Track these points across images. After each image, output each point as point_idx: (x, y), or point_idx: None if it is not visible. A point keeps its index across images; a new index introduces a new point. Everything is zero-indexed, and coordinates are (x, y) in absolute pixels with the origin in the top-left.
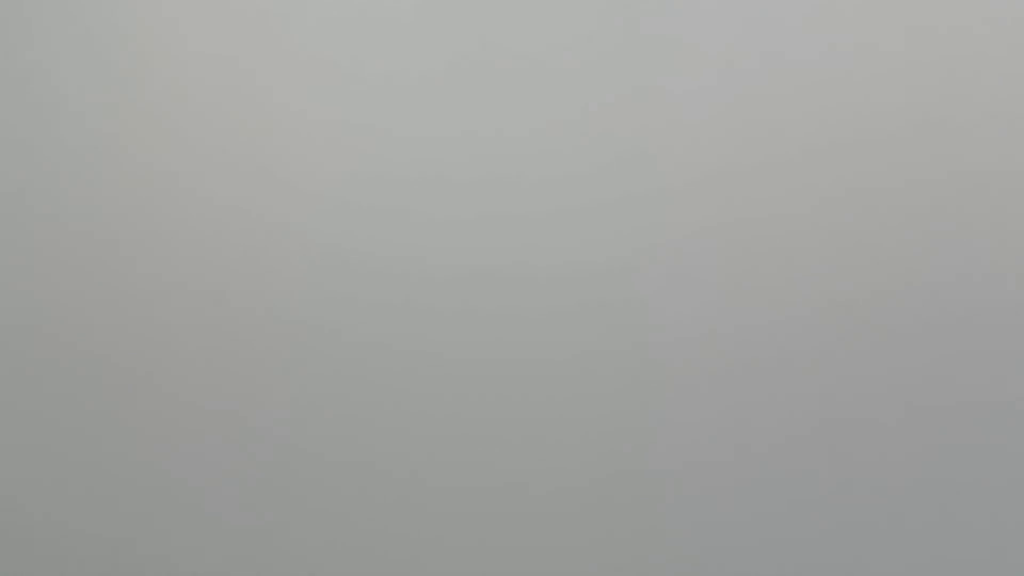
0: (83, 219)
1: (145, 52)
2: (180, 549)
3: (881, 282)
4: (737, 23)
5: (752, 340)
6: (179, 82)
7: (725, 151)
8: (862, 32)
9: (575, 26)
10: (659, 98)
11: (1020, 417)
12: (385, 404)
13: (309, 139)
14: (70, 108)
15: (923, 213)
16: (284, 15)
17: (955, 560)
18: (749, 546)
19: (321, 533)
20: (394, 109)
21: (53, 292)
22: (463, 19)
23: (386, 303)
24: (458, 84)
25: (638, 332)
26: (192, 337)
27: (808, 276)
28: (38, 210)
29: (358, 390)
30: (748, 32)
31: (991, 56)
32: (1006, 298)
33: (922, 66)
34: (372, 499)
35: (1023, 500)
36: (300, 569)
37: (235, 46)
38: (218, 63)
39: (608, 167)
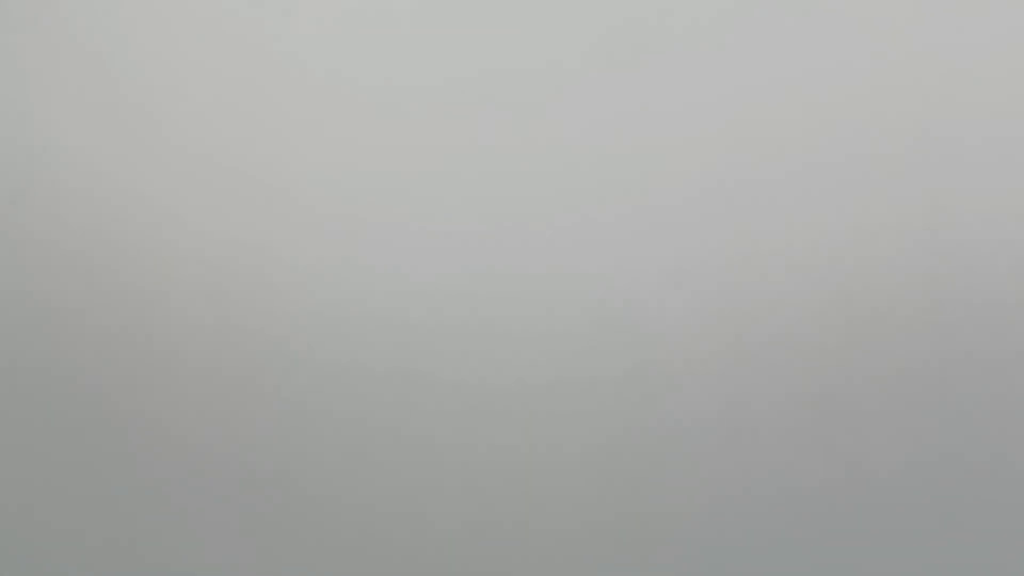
0: (79, 222)
1: (140, 58)
2: (177, 553)
3: (882, 286)
4: (739, 39)
5: (752, 341)
6: (175, 88)
7: (726, 163)
8: (869, 50)
9: (577, 42)
10: (661, 111)
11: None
12: (383, 404)
13: (305, 149)
14: (61, 116)
15: (925, 218)
16: (279, 25)
17: (959, 562)
18: (749, 546)
19: (321, 536)
20: (393, 121)
21: (51, 293)
22: (462, 36)
23: (384, 317)
24: (456, 100)
25: (638, 336)
26: (191, 342)
27: (809, 280)
28: (34, 211)
29: (356, 394)
30: (751, 46)
31: (995, 76)
32: (1008, 299)
33: (926, 83)
34: (372, 502)
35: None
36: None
37: (232, 54)
38: (212, 71)
39: (609, 176)
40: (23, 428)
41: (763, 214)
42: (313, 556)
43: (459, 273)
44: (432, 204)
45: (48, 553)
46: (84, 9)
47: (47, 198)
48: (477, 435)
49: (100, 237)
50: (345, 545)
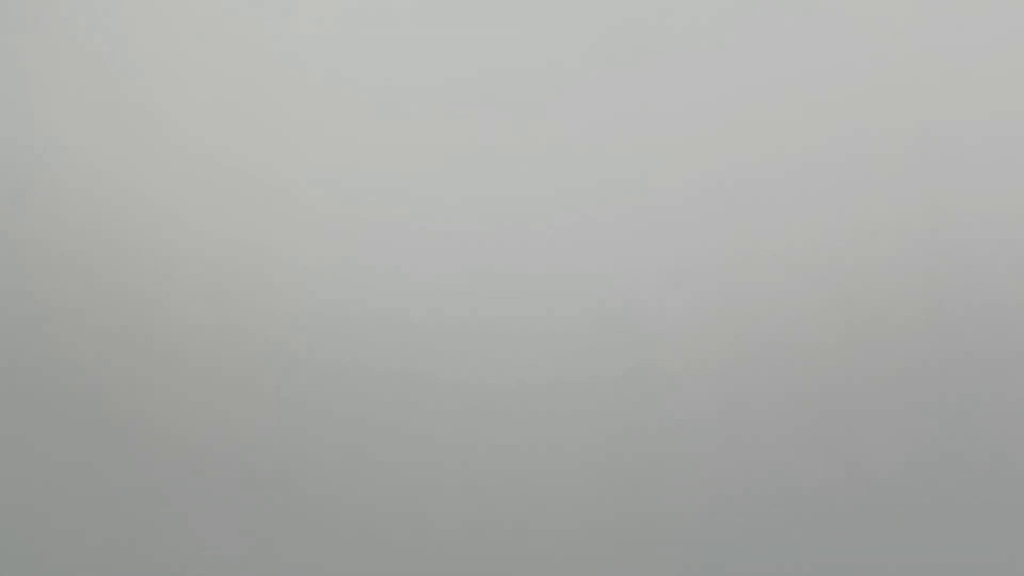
0: (79, 222)
1: (140, 58)
2: (173, 557)
3: (882, 286)
4: (739, 39)
5: (752, 341)
6: (175, 88)
7: (726, 163)
8: (869, 49)
9: (577, 42)
10: (661, 111)
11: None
12: (383, 404)
13: (305, 149)
14: (61, 116)
15: (925, 218)
16: (279, 25)
17: (959, 562)
18: (749, 546)
19: (321, 536)
20: (393, 121)
21: (51, 293)
22: (462, 36)
23: (384, 317)
24: (456, 100)
25: (638, 336)
26: (191, 342)
27: (809, 280)
28: (34, 211)
29: (356, 394)
30: (751, 46)
31: (995, 76)
32: (1008, 299)
33: (926, 83)
34: (372, 502)
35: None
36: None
37: (232, 54)
38: (212, 71)
39: (609, 176)
40: (23, 428)
41: (763, 214)
42: (313, 556)
43: (459, 273)
44: (432, 204)
45: (48, 553)
46: (84, 9)
47: (47, 198)
48: (477, 435)
49: (100, 237)
50: (345, 545)
